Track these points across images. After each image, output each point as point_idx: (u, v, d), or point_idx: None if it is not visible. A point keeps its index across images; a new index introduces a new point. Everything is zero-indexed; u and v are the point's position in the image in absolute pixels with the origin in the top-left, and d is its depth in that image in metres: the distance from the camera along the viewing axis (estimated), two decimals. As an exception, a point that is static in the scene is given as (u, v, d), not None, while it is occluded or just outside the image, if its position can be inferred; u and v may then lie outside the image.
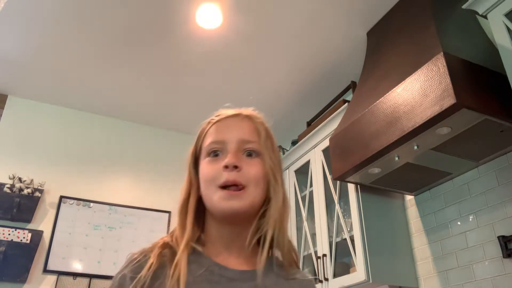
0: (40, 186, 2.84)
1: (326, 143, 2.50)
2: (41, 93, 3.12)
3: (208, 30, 2.52)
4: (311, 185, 2.65)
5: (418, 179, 2.10)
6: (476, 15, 1.95)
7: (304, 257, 2.59)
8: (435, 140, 1.71)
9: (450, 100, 1.50)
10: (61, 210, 2.90)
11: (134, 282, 0.66)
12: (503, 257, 1.75)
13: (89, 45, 2.66)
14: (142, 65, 2.82)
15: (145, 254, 0.70)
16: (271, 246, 0.73)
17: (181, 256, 0.67)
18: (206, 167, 0.75)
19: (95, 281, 2.77)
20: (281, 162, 0.82)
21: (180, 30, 2.53)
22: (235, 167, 0.71)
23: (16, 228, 2.66)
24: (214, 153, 0.75)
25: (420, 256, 2.16)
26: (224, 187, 0.71)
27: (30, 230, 2.70)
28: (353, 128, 2.02)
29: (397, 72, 1.92)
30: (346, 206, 2.34)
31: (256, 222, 0.74)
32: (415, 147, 1.75)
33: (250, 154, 0.75)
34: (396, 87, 1.80)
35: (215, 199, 0.71)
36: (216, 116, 0.80)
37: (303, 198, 2.73)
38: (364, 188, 2.22)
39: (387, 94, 1.84)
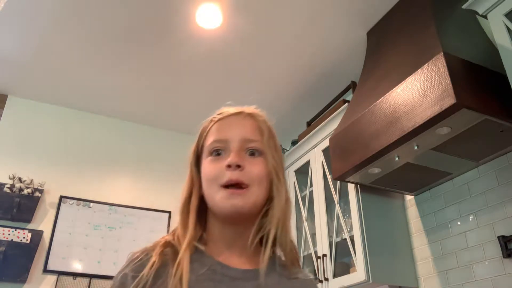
0: (40, 186, 2.84)
1: (326, 143, 2.50)
2: (41, 93, 3.12)
3: (208, 30, 2.52)
4: (311, 185, 2.65)
5: (418, 179, 2.10)
6: (476, 15, 1.95)
7: (304, 257, 2.59)
8: (435, 140, 1.72)
9: (450, 100, 1.50)
10: (61, 210, 2.90)
11: (136, 281, 0.65)
12: (503, 257, 1.75)
13: (89, 45, 2.66)
14: (142, 65, 2.82)
15: (146, 252, 0.69)
16: (273, 245, 0.73)
17: (184, 255, 0.67)
18: (208, 166, 0.74)
19: (95, 281, 2.77)
20: (284, 160, 0.82)
21: (180, 30, 2.53)
22: (238, 166, 0.71)
23: (16, 228, 2.66)
24: (217, 152, 0.74)
25: (420, 256, 2.16)
26: (227, 186, 0.70)
27: (30, 230, 2.69)
28: (353, 128, 2.02)
29: (397, 72, 1.93)
30: (346, 206, 2.34)
31: (259, 221, 0.73)
32: (415, 147, 1.75)
33: (253, 153, 0.74)
34: (396, 87, 1.80)
35: (217, 198, 0.71)
36: (218, 114, 0.79)
37: (303, 198, 2.73)
38: (364, 188, 2.22)
39: (387, 94, 1.84)
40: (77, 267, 2.78)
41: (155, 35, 2.57)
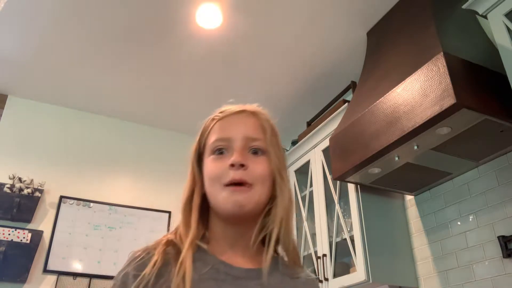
0: (40, 186, 2.84)
1: (326, 143, 2.50)
2: (41, 93, 3.12)
3: (208, 30, 2.52)
4: (311, 185, 2.65)
5: (418, 179, 2.10)
6: (476, 15, 1.95)
7: (304, 257, 2.59)
8: (435, 140, 1.72)
9: (450, 100, 1.50)
10: (61, 210, 2.90)
11: (137, 279, 0.64)
12: (503, 257, 1.75)
13: (89, 45, 2.66)
14: (142, 65, 2.82)
15: (148, 251, 0.69)
16: (275, 245, 0.73)
17: (186, 254, 0.67)
18: (211, 165, 0.73)
19: (95, 281, 2.77)
20: (286, 159, 0.81)
21: (180, 30, 2.53)
22: (242, 165, 0.70)
23: (16, 228, 2.66)
24: (219, 151, 0.74)
25: (420, 256, 2.16)
26: (230, 185, 0.70)
27: (30, 230, 2.69)
28: (353, 128, 2.02)
29: (397, 72, 1.93)
30: (346, 206, 2.34)
31: (261, 221, 0.73)
32: (415, 147, 1.76)
33: (256, 152, 0.73)
34: (396, 87, 1.80)
35: (220, 197, 0.70)
36: (220, 112, 0.78)
37: (303, 198, 2.73)
38: (364, 188, 2.22)
39: (387, 94, 1.84)
40: (77, 267, 2.78)
41: (155, 35, 2.57)
